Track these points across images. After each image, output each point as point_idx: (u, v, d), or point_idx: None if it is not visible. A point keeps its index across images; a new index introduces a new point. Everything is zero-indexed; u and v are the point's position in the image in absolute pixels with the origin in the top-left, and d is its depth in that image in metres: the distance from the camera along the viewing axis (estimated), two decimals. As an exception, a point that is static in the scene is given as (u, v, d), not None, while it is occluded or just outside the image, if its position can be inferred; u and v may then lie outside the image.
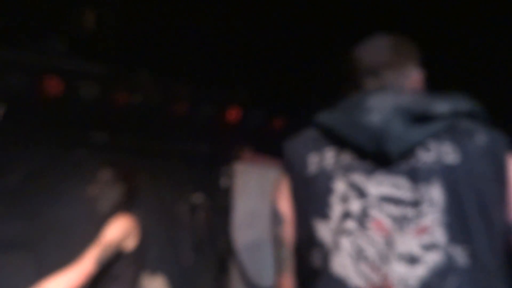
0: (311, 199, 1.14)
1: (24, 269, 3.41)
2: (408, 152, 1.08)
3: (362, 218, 1.08)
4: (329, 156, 1.14)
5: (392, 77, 1.23)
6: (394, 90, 1.19)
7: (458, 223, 1.02)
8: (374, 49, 1.27)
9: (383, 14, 3.02)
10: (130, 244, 2.36)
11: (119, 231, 2.29)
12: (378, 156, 1.10)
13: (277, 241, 1.18)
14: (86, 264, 2.14)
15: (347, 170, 1.12)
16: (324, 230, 1.09)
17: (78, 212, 3.47)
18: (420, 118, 1.08)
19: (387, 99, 1.13)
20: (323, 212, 1.11)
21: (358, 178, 1.11)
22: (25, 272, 3.34)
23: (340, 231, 1.07)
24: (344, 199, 1.10)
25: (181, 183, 4.28)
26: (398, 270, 1.01)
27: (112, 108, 3.91)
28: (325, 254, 1.07)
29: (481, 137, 1.08)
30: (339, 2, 3.21)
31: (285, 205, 1.18)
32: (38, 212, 3.68)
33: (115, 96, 3.85)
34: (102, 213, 2.41)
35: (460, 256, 1.00)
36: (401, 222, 1.05)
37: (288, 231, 1.17)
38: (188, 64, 3.91)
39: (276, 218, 1.19)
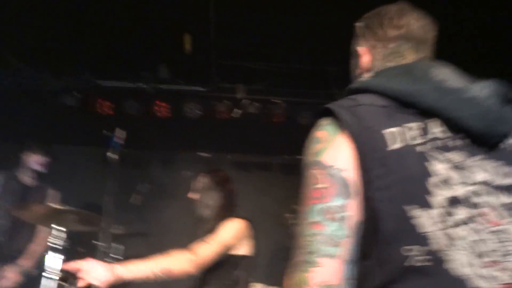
0: (399, 181, 0.98)
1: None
2: (506, 135, 0.99)
3: (472, 207, 0.93)
4: (412, 130, 0.97)
5: (429, 53, 1.16)
6: (450, 67, 1.07)
7: None
8: (421, 21, 1.16)
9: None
10: (244, 249, 2.41)
11: (232, 232, 2.33)
12: (481, 136, 0.96)
13: (331, 214, 0.95)
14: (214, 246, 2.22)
15: (443, 149, 0.96)
16: (426, 221, 0.93)
17: (184, 214, 3.76)
18: (507, 100, 0.99)
19: (460, 76, 1.03)
20: (421, 199, 0.95)
21: (459, 159, 0.96)
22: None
23: (449, 223, 0.92)
24: (447, 185, 0.94)
25: (286, 194, 4.29)
26: None
27: (214, 124, 4.11)
28: (434, 250, 0.92)
29: None
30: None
31: (355, 176, 0.96)
32: (157, 215, 4.26)
33: (216, 113, 4.05)
34: (204, 215, 2.52)
35: None
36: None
37: (355, 208, 0.95)
38: (283, 76, 3.94)
39: (337, 185, 0.95)
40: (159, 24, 3.67)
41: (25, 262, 3.38)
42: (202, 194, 2.56)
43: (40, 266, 3.00)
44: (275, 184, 4.87)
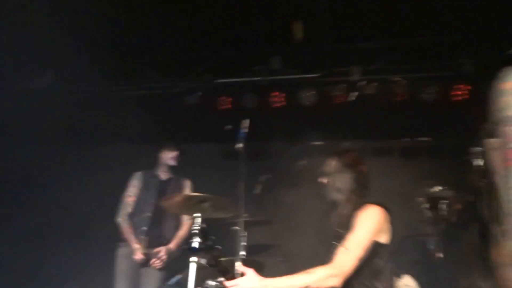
0: None
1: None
2: None
3: None
4: None
5: None
6: None
7: None
8: None
9: None
10: (385, 237, 2.26)
11: (372, 226, 2.19)
12: None
13: None
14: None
15: None
16: None
17: (304, 202, 3.82)
18: None
19: None
20: None
21: None
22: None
23: None
24: None
25: (419, 176, 4.05)
26: None
27: (330, 110, 4.05)
28: None
29: None
30: None
31: None
32: (278, 203, 4.49)
33: (332, 98, 3.98)
34: (335, 199, 2.42)
35: None
36: None
37: None
38: (402, 51, 3.71)
39: None
40: (268, 17, 3.73)
41: (172, 245, 3.72)
42: (332, 177, 2.43)
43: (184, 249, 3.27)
44: (398, 169, 4.61)
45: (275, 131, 4.49)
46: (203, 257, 2.45)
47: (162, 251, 3.63)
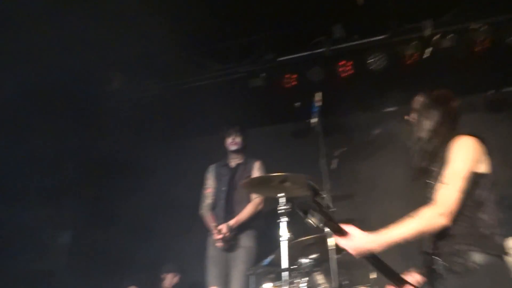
0: None
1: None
2: None
3: None
4: None
5: None
6: None
7: None
8: None
9: None
10: (484, 166, 2.08)
11: (467, 154, 2.03)
12: None
13: None
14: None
15: None
16: None
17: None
18: None
19: None
20: None
21: None
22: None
23: None
24: None
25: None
26: None
27: (401, 72, 3.82)
28: None
29: None
30: None
31: None
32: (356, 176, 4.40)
33: (403, 59, 3.74)
34: (422, 136, 2.29)
35: None
36: None
37: None
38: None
39: None
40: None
41: (232, 222, 3.71)
42: (419, 114, 2.26)
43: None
44: (484, 126, 4.25)
45: (345, 102, 4.32)
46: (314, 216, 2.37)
47: (223, 228, 3.65)
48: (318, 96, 2.93)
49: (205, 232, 3.92)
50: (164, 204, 5.19)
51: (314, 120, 2.96)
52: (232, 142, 4.02)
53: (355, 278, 3.70)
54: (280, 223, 2.84)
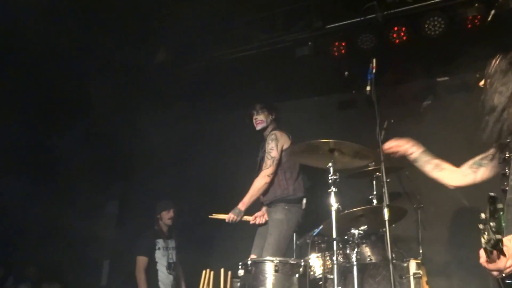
0: None
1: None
2: None
3: None
4: None
5: None
6: None
7: None
8: None
9: None
10: None
11: None
12: None
13: None
14: None
15: None
16: None
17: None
18: None
19: None
20: None
21: None
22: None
23: None
24: None
25: None
26: None
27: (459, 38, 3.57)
28: None
29: None
30: None
31: None
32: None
33: (463, 23, 3.48)
34: (494, 103, 2.11)
35: None
36: None
37: None
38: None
39: None
40: None
41: (240, 206, 3.69)
42: (492, 79, 2.10)
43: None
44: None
45: (398, 71, 4.13)
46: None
47: (231, 217, 3.65)
48: (374, 63, 2.79)
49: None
50: (209, 178, 5.28)
51: (368, 87, 2.84)
52: (256, 122, 3.92)
53: (405, 252, 3.64)
54: (330, 193, 2.81)
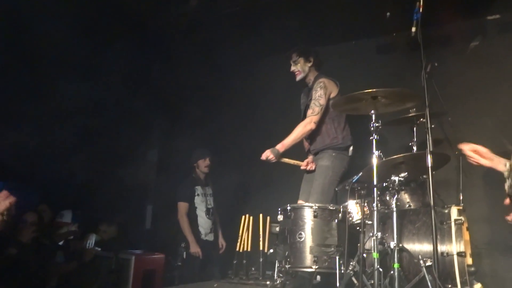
0: None
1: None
2: None
3: None
4: None
5: None
6: None
7: None
8: None
9: None
10: None
11: None
12: None
13: None
14: None
15: None
16: None
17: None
18: None
19: None
20: None
21: None
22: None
23: None
24: None
25: None
26: None
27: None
28: None
29: None
30: None
31: None
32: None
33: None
34: None
35: None
36: None
37: None
38: None
39: None
40: None
41: (279, 146, 3.56)
42: None
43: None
44: None
45: (444, 9, 3.85)
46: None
47: (267, 155, 3.56)
48: (421, 1, 2.60)
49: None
50: (247, 125, 5.31)
51: (414, 28, 2.67)
52: (295, 74, 3.84)
53: (444, 199, 3.61)
54: (371, 140, 2.77)
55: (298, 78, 3.83)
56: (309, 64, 3.82)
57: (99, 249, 4.54)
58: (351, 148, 3.71)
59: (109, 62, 4.44)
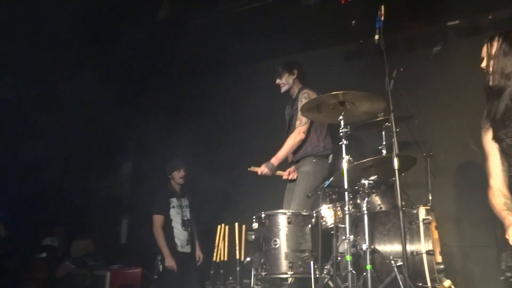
0: None
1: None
2: None
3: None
4: None
5: None
6: None
7: None
8: None
9: None
10: None
11: None
12: None
13: None
14: None
15: None
16: None
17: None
18: None
19: None
20: None
21: None
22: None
23: None
24: None
25: None
26: None
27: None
28: None
29: None
30: None
31: None
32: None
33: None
34: (499, 86, 2.12)
35: None
36: None
37: None
38: None
39: None
40: None
41: (273, 160, 3.70)
42: (494, 60, 2.15)
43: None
44: None
45: (405, 16, 3.99)
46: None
47: (263, 170, 3.67)
48: (382, 10, 2.69)
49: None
50: (223, 136, 5.32)
51: (377, 36, 2.76)
52: (279, 85, 3.94)
53: (414, 199, 3.71)
54: (341, 146, 2.83)
55: (283, 90, 3.94)
56: (293, 77, 3.93)
57: (74, 266, 4.44)
58: (331, 155, 3.80)
59: (83, 73, 4.39)
